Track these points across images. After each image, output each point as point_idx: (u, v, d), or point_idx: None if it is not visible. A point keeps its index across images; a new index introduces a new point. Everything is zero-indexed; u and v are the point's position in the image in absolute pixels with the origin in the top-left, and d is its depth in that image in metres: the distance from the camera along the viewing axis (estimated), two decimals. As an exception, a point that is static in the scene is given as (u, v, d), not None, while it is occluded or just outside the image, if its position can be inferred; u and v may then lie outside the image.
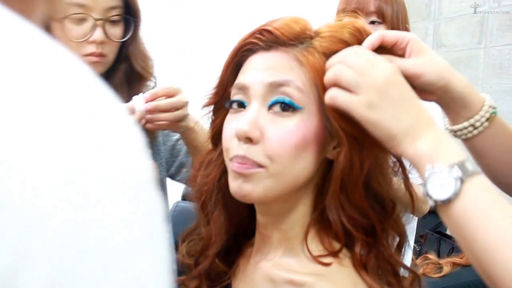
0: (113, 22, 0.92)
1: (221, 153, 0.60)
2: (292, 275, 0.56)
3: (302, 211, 0.59)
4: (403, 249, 0.61)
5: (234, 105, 0.57)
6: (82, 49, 0.90)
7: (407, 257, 0.63)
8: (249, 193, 0.54)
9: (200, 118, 0.70)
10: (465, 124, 0.62)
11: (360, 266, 0.55)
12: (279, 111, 0.54)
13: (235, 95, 0.57)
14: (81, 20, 0.88)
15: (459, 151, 0.48)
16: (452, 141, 0.50)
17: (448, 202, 0.46)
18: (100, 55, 0.91)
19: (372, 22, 1.26)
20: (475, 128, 0.62)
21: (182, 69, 3.02)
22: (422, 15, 2.70)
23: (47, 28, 0.88)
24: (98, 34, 0.89)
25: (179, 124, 0.89)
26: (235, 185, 0.54)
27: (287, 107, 0.53)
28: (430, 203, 0.48)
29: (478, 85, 2.33)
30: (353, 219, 0.56)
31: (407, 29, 1.30)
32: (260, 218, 0.62)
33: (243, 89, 0.56)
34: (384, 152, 0.57)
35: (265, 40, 0.55)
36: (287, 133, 0.53)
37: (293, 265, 0.58)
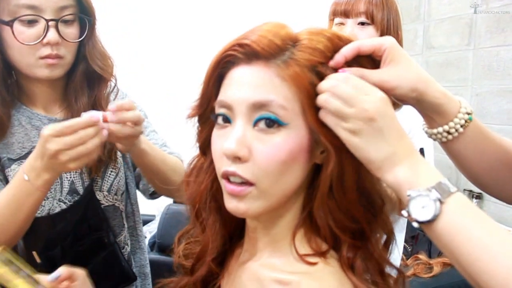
0: (67, 22, 0.88)
1: (212, 161, 0.60)
2: (279, 274, 0.57)
3: (291, 215, 0.60)
4: (390, 247, 0.61)
5: (220, 120, 0.57)
6: (37, 52, 0.86)
7: (395, 255, 0.63)
8: (245, 212, 0.55)
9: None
10: (439, 129, 0.63)
11: (347, 267, 0.55)
12: (264, 127, 0.53)
13: (220, 109, 0.57)
14: (33, 22, 0.84)
15: (435, 174, 0.51)
16: (429, 165, 0.52)
17: (431, 222, 0.49)
18: (57, 56, 0.88)
19: (362, 23, 1.26)
20: (450, 133, 0.63)
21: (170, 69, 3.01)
22: (412, 17, 2.73)
23: None
24: (51, 35, 0.85)
25: (134, 140, 0.86)
26: (231, 205, 0.56)
27: (272, 123, 0.53)
28: (415, 225, 0.50)
29: (467, 86, 2.36)
30: (341, 222, 0.56)
31: (398, 35, 1.31)
32: (249, 223, 0.63)
33: (227, 107, 0.56)
34: None
35: (244, 52, 0.54)
36: (274, 150, 0.53)
37: (280, 265, 0.58)
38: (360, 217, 0.56)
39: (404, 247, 1.64)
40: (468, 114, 0.62)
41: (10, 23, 0.83)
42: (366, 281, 0.55)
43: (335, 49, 0.55)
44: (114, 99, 1.00)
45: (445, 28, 2.51)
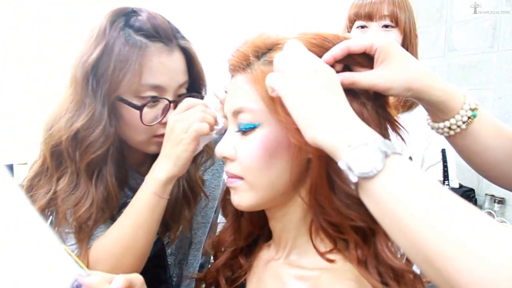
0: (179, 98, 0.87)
1: None
2: (299, 271, 0.59)
3: (302, 212, 0.61)
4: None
5: None
6: (152, 131, 0.85)
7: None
8: (239, 203, 0.61)
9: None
10: (441, 125, 0.62)
11: (358, 262, 0.56)
12: (244, 130, 0.59)
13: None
14: (155, 102, 0.84)
15: (374, 133, 0.45)
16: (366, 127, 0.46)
17: (371, 176, 0.42)
18: None
19: (386, 26, 1.24)
20: (451, 129, 0.62)
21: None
22: (433, 19, 2.69)
23: (114, 107, 0.83)
24: None
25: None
26: (231, 197, 0.62)
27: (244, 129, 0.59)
28: (352, 179, 0.44)
29: (490, 89, 2.32)
30: (334, 219, 0.56)
31: (416, 36, 1.30)
32: (270, 223, 0.66)
33: (225, 116, 0.65)
34: None
35: (231, 68, 0.62)
36: (251, 149, 0.58)
37: (300, 262, 0.60)
38: (350, 215, 0.56)
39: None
40: (472, 110, 0.60)
41: (141, 108, 0.81)
42: (380, 278, 0.55)
43: (323, 51, 0.56)
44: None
45: (467, 30, 2.47)
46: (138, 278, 0.63)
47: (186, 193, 0.95)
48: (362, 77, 0.55)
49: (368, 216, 0.54)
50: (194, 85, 0.92)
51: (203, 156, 0.96)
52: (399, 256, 0.59)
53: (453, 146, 0.66)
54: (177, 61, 0.86)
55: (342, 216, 0.56)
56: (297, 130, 0.52)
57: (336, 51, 0.56)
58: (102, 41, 0.81)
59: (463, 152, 0.66)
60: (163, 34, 0.84)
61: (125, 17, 0.85)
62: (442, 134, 0.64)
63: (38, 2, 2.01)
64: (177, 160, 0.78)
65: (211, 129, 0.78)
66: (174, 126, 0.78)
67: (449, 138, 0.64)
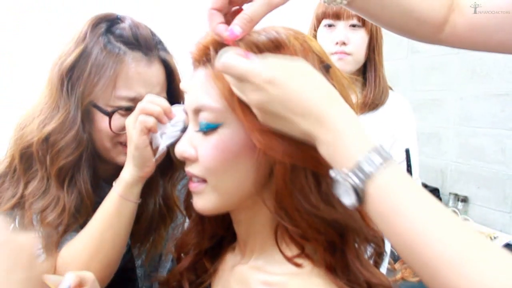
0: None
1: None
2: (266, 276, 0.56)
3: (269, 215, 0.57)
4: (382, 256, 0.59)
5: None
6: (118, 138, 0.83)
7: (383, 263, 0.61)
8: (201, 208, 0.57)
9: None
10: None
11: (327, 268, 0.54)
12: (205, 131, 0.55)
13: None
14: (127, 111, 0.80)
15: (355, 150, 0.43)
16: (349, 138, 0.44)
17: (358, 205, 0.43)
18: None
19: (353, 25, 1.26)
20: None
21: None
22: (396, 21, 2.75)
23: (87, 113, 0.81)
24: None
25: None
26: (193, 202, 0.58)
27: (205, 128, 0.55)
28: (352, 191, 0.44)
29: (452, 90, 2.38)
30: (299, 227, 0.54)
31: (381, 36, 1.32)
32: (234, 226, 0.63)
33: (186, 113, 0.60)
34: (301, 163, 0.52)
35: (192, 61, 0.58)
36: (212, 149, 0.54)
37: (267, 267, 0.58)
38: (316, 223, 0.53)
39: (392, 251, 1.64)
40: None
41: (110, 114, 0.80)
42: (351, 284, 0.53)
43: (275, 47, 0.52)
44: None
45: (429, 32, 2.54)
46: (89, 276, 0.61)
47: (162, 211, 0.92)
48: None
49: (337, 225, 0.53)
50: (172, 99, 0.87)
51: (180, 172, 0.93)
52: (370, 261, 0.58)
53: (360, 12, 0.67)
54: (155, 72, 0.83)
55: (308, 224, 0.53)
56: (261, 132, 0.50)
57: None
58: (81, 45, 0.80)
59: (367, 15, 0.68)
60: (143, 43, 0.81)
61: (108, 22, 0.83)
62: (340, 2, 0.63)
63: (38, 3, 1.96)
64: (133, 159, 0.75)
65: (162, 121, 0.75)
66: (126, 125, 0.76)
67: (349, 6, 0.65)
